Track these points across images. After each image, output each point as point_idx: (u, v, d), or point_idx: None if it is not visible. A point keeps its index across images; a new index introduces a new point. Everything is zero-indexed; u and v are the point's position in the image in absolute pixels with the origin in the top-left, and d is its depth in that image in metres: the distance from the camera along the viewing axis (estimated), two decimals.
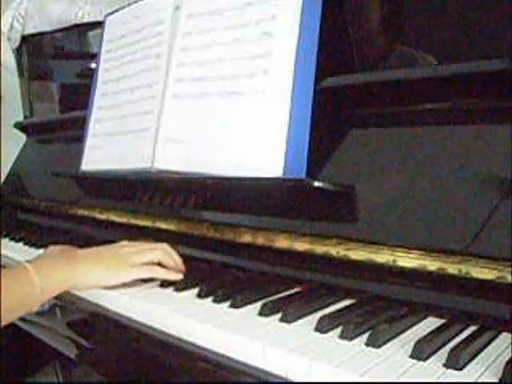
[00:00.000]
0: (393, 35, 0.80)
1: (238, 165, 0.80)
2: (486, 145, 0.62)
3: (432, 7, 0.74)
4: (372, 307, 0.65)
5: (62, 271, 0.74)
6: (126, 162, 1.02)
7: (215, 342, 0.59)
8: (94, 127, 1.16)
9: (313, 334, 0.58)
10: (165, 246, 0.82)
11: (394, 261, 0.63)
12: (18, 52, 1.65)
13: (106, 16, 1.21)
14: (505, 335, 0.57)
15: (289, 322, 0.61)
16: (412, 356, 0.51)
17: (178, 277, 0.78)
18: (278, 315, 0.63)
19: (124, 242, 0.84)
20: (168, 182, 0.96)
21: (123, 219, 1.04)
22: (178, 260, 0.82)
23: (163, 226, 0.95)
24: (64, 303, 0.82)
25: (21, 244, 1.17)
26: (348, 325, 0.57)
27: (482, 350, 0.53)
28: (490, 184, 0.59)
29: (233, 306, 0.68)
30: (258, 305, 0.66)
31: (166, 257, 0.80)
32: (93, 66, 1.24)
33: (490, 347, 0.54)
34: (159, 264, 0.80)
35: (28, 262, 0.73)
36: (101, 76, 1.17)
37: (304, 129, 0.73)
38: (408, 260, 0.62)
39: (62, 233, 1.25)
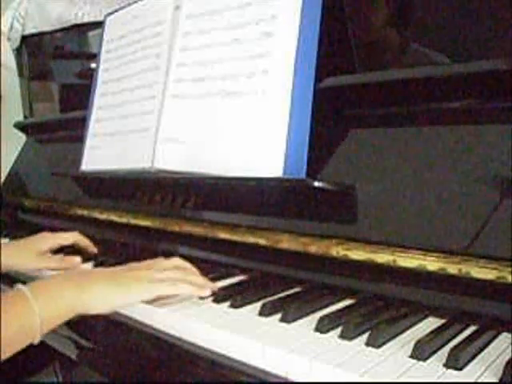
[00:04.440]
0: (396, 34, 0.80)
1: (237, 165, 0.80)
2: (485, 145, 0.62)
3: (436, 5, 0.74)
4: (372, 307, 0.65)
5: (65, 297, 0.65)
6: (126, 162, 1.02)
7: (215, 342, 0.59)
8: (93, 127, 1.16)
9: (313, 334, 0.58)
10: (177, 260, 0.76)
11: (394, 261, 0.63)
12: (18, 52, 1.65)
13: (106, 16, 1.20)
14: (505, 335, 0.57)
15: (289, 321, 0.61)
16: (412, 356, 0.51)
17: (207, 292, 0.70)
18: (278, 315, 0.63)
19: (133, 264, 0.76)
20: (168, 182, 0.96)
21: (123, 219, 1.04)
22: (196, 272, 0.75)
23: (163, 226, 0.95)
24: None
25: None
26: (348, 325, 0.57)
27: (482, 350, 0.53)
28: (490, 184, 0.59)
29: (233, 305, 0.68)
30: (258, 305, 0.66)
31: (183, 274, 0.73)
32: (93, 66, 1.24)
33: (489, 347, 0.54)
34: None
35: (27, 285, 0.64)
36: (101, 76, 1.17)
37: (304, 129, 0.73)
38: (408, 260, 0.62)
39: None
